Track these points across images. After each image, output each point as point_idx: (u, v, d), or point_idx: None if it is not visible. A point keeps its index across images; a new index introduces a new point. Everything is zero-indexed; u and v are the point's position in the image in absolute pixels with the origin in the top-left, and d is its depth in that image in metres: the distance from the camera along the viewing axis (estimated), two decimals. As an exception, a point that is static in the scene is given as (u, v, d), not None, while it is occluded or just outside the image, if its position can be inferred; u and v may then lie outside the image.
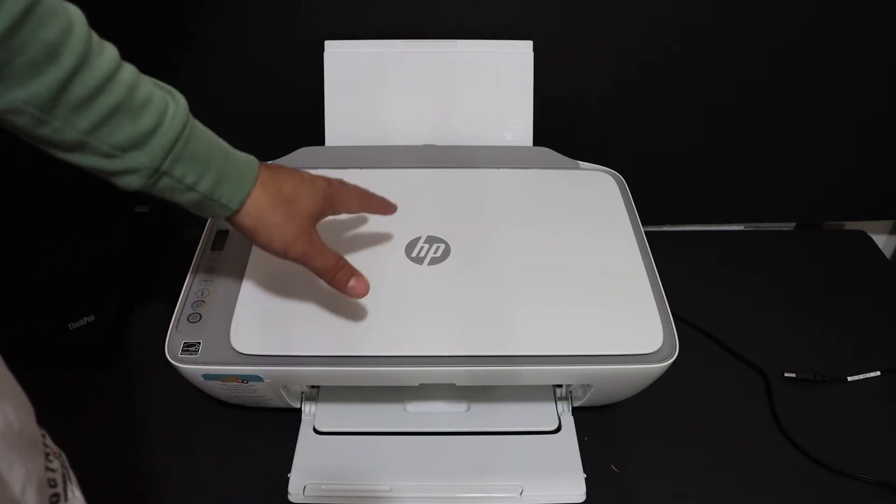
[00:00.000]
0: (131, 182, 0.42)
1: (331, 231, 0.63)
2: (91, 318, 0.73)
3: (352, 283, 0.53)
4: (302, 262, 0.51)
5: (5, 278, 0.77)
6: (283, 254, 0.50)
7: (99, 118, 0.39)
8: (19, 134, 0.39)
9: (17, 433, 0.32)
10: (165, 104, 0.42)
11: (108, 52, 0.39)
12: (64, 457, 0.38)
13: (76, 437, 0.68)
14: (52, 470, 0.35)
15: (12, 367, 0.34)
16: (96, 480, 0.62)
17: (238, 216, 0.48)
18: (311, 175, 0.52)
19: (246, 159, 0.48)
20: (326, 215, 0.53)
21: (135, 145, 0.41)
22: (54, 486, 0.35)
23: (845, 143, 0.84)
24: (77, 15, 0.37)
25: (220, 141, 0.47)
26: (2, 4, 0.33)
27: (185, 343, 0.57)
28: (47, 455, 0.36)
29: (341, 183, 0.55)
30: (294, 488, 0.59)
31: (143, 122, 0.40)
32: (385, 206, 0.58)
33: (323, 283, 0.53)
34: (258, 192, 0.48)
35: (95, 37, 0.38)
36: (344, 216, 0.57)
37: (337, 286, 0.53)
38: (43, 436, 0.36)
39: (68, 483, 0.37)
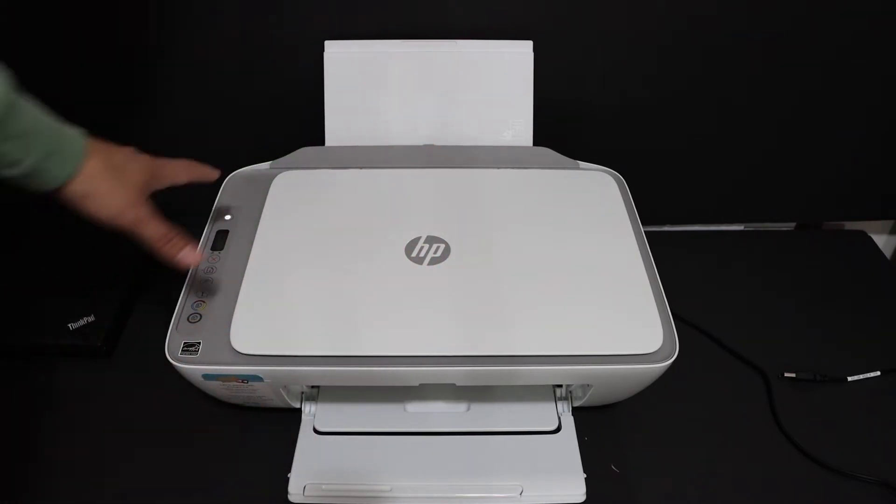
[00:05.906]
0: None
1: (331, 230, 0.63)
2: (91, 318, 0.73)
3: (182, 254, 0.55)
4: (134, 230, 0.53)
5: (5, 278, 0.77)
6: (116, 219, 0.52)
7: None
8: None
9: None
10: None
11: None
12: None
13: (76, 436, 0.68)
14: None
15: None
16: (96, 480, 0.63)
17: (70, 185, 0.50)
18: (137, 150, 0.56)
19: (74, 133, 0.51)
20: (155, 187, 0.56)
21: None
22: None
23: (845, 143, 0.84)
24: None
25: (48, 117, 0.49)
26: None
27: (185, 343, 0.57)
28: None
29: (165, 158, 0.58)
30: (294, 488, 0.59)
31: None
32: (209, 173, 0.61)
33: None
34: (89, 162, 0.50)
35: None
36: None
37: (167, 256, 0.55)
38: None
39: None
